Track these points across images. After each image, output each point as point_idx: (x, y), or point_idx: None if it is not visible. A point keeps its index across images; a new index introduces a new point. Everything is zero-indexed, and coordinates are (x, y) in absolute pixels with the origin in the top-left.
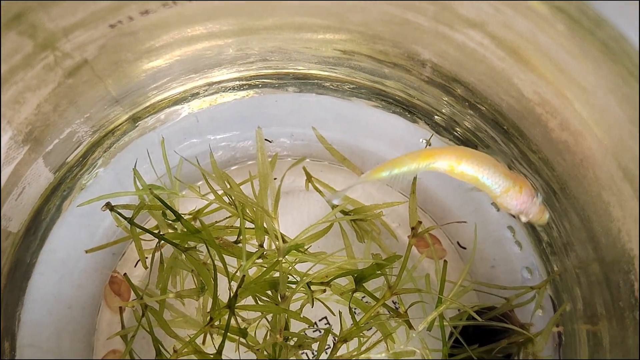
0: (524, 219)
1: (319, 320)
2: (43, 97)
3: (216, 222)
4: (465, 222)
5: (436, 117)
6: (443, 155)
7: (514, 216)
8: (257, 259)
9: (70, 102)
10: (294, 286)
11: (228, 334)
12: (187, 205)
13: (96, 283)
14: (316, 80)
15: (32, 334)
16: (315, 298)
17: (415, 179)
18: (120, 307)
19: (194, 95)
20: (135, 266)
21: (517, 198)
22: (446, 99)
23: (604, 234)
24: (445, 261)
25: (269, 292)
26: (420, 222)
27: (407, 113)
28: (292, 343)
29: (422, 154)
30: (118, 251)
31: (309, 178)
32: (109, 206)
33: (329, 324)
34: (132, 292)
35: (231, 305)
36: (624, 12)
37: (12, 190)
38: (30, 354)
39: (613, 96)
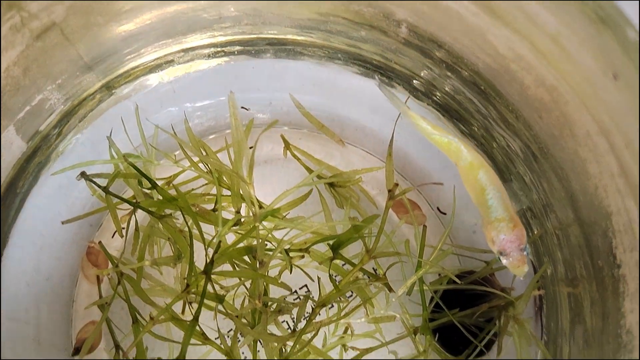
0: (504, 260)
1: (299, 289)
2: (11, 59)
3: (192, 189)
4: (441, 183)
5: (415, 81)
6: (473, 152)
7: (493, 252)
8: (234, 225)
9: (40, 66)
10: (272, 253)
11: (206, 301)
12: (163, 174)
13: (74, 255)
14: (293, 46)
15: (12, 307)
16: (294, 265)
17: (392, 141)
18: (98, 278)
19: (168, 62)
20: (112, 237)
21: (507, 234)
22: (424, 61)
23: (581, 192)
24: (424, 226)
25: (247, 260)
26: (397, 185)
27: (385, 78)
28: (271, 310)
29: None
30: (96, 222)
31: (287, 146)
32: (84, 175)
33: (309, 292)
34: (109, 262)
35: (207, 271)
36: None
37: None
38: (10, 328)
39: (586, 48)
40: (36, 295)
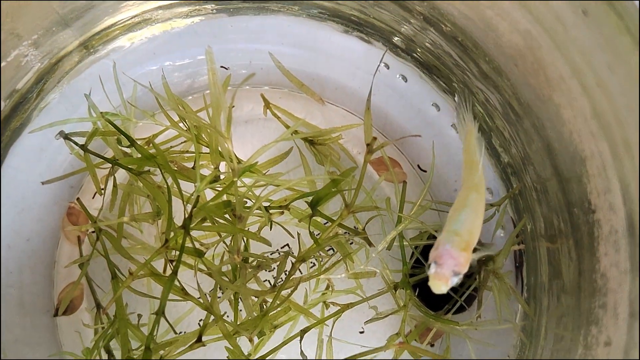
0: (432, 269)
1: (281, 248)
2: None
3: (171, 147)
4: (419, 135)
5: (395, 38)
6: (483, 180)
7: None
8: (213, 182)
9: (14, 19)
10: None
11: (186, 259)
12: (142, 134)
13: (55, 217)
14: (270, 3)
15: None
16: (274, 222)
17: (370, 94)
18: (79, 238)
19: (146, 20)
20: (93, 198)
21: (454, 249)
22: (403, 14)
23: (557, 140)
24: (404, 182)
25: (227, 217)
26: (375, 139)
27: (364, 35)
28: (251, 266)
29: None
30: (76, 184)
31: (267, 104)
32: (63, 134)
33: (290, 249)
34: (89, 221)
35: (186, 225)
36: None
37: None
38: None
39: None
40: (18, 257)
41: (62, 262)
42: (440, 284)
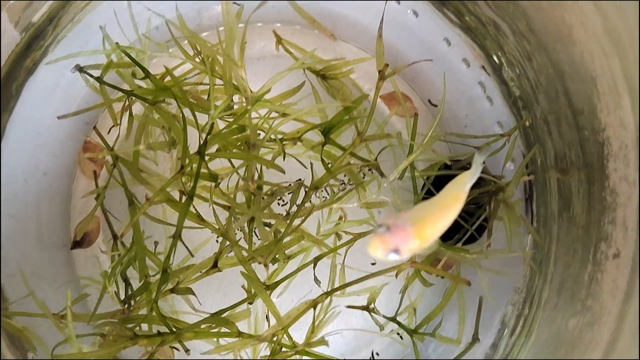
0: (381, 229)
1: (294, 182)
2: None
3: (185, 78)
4: (431, 60)
5: None
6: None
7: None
8: (226, 110)
9: None
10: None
11: (200, 191)
12: (156, 70)
13: (71, 152)
14: None
15: (11, 204)
16: (287, 154)
17: (381, 22)
18: (95, 172)
19: None
20: (108, 133)
21: (412, 230)
22: None
23: (568, 62)
24: (416, 114)
25: (240, 147)
26: (387, 65)
27: None
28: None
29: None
30: (91, 120)
31: (279, 40)
32: (78, 67)
33: (302, 180)
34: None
35: (201, 151)
36: None
37: None
38: (10, 224)
39: None
40: (35, 191)
41: (78, 196)
42: (378, 248)
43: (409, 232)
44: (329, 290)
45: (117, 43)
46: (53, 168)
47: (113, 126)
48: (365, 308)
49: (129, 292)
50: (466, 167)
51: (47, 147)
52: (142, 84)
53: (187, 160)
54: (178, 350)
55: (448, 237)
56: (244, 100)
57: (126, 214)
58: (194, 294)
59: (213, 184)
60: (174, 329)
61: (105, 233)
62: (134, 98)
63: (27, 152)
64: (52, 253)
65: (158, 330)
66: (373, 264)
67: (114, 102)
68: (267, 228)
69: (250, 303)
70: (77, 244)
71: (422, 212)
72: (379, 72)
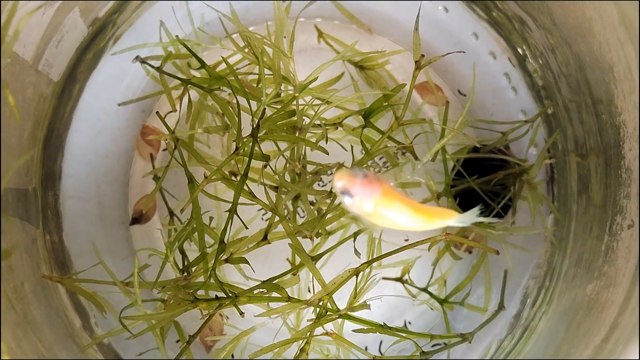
0: (359, 171)
1: (335, 163)
2: None
3: (237, 69)
4: (464, 52)
5: None
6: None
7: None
8: (275, 97)
9: None
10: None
11: (252, 163)
12: (210, 60)
13: (128, 137)
14: None
15: (73, 185)
16: (330, 138)
17: (418, 16)
18: (151, 155)
19: None
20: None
21: (380, 181)
22: None
23: (588, 53)
24: (447, 102)
25: (287, 132)
26: (423, 56)
27: None
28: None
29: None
30: (147, 108)
31: (321, 34)
32: (139, 58)
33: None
34: (161, 141)
35: (254, 134)
36: None
37: (53, 37)
38: (72, 204)
39: None
40: (96, 173)
41: (136, 177)
42: (341, 180)
43: (373, 192)
44: (368, 260)
45: (176, 36)
46: (113, 151)
47: (169, 112)
48: (400, 279)
49: (186, 262)
50: (493, 150)
51: (106, 133)
52: (197, 73)
53: (241, 142)
54: (228, 318)
55: None
56: (290, 88)
57: (179, 193)
58: (247, 262)
59: (263, 164)
60: (230, 294)
61: (160, 211)
62: (189, 86)
63: (88, 137)
64: (112, 230)
65: (216, 295)
66: (406, 239)
67: (172, 89)
68: (310, 206)
69: (294, 274)
70: (135, 221)
71: (399, 196)
72: (416, 62)
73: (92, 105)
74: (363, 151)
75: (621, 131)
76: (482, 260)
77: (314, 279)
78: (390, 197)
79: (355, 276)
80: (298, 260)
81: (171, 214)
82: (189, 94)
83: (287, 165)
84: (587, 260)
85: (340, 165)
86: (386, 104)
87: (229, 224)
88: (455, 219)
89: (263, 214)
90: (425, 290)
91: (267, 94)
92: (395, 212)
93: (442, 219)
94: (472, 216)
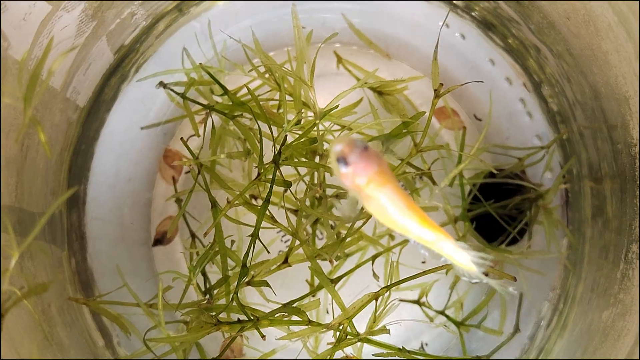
0: (362, 143)
1: None
2: None
3: (258, 95)
4: (481, 81)
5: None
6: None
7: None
8: (296, 124)
9: None
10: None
11: (273, 189)
12: (231, 87)
13: (151, 160)
14: None
15: (97, 207)
16: None
17: (437, 46)
18: (174, 178)
19: None
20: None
21: (374, 162)
22: None
23: (603, 84)
24: (464, 127)
25: (307, 158)
26: (442, 85)
27: None
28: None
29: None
30: (169, 131)
31: (340, 59)
32: (162, 84)
33: None
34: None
35: (276, 160)
36: None
37: (81, 65)
38: (96, 226)
39: None
40: (118, 196)
41: (158, 199)
42: (341, 146)
43: (369, 167)
44: (387, 284)
45: (200, 64)
46: (135, 174)
47: (191, 135)
48: (417, 302)
49: (207, 285)
50: (510, 175)
51: (129, 156)
52: (219, 99)
53: (262, 168)
54: (248, 339)
55: (493, 238)
56: (310, 114)
57: (199, 214)
58: (269, 285)
59: (284, 189)
60: (252, 318)
61: (181, 232)
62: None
63: (112, 160)
64: (135, 250)
65: (238, 318)
66: (423, 262)
67: (195, 114)
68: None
69: (312, 295)
70: (157, 242)
71: (395, 182)
72: (435, 90)
73: (115, 128)
74: None
75: (637, 161)
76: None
77: (333, 301)
78: (385, 178)
79: (375, 300)
80: (317, 281)
81: (193, 236)
82: (211, 119)
83: (308, 191)
84: (602, 286)
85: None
86: (405, 130)
87: (252, 249)
88: (445, 244)
89: (282, 236)
90: (442, 312)
91: (289, 121)
92: (386, 197)
93: (432, 230)
94: (464, 255)
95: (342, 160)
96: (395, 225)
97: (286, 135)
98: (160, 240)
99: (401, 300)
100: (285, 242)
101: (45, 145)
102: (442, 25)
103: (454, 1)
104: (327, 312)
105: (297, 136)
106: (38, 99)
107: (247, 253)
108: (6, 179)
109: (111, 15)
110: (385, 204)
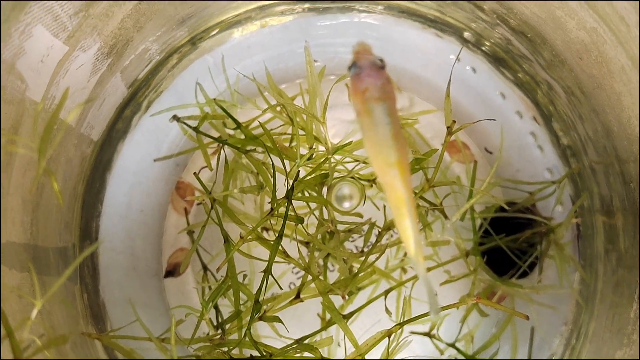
0: (377, 59)
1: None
2: (126, 12)
3: (271, 129)
4: (494, 119)
5: (466, 33)
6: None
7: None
8: (308, 159)
9: (147, 19)
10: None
11: (286, 223)
12: (243, 119)
13: (163, 192)
14: (357, 2)
15: (109, 238)
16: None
17: (449, 83)
18: (186, 209)
19: (246, 19)
20: (198, 173)
21: (384, 78)
22: (476, 12)
23: (616, 123)
24: (475, 161)
25: (317, 191)
26: (454, 122)
27: (438, 31)
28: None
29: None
30: (182, 163)
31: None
32: (176, 117)
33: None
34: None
35: (289, 196)
36: None
37: (96, 100)
38: (108, 257)
39: None
40: (129, 227)
41: (169, 230)
42: (362, 49)
43: (378, 78)
44: (401, 321)
45: (214, 99)
46: (147, 205)
47: (203, 167)
48: (428, 334)
49: (219, 319)
50: (521, 209)
51: (141, 187)
52: (231, 132)
53: (275, 203)
54: None
55: (503, 272)
56: (324, 148)
57: (211, 247)
58: (281, 321)
59: (296, 224)
60: (264, 354)
61: (193, 264)
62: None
63: (124, 191)
64: (146, 282)
65: (251, 355)
66: (435, 294)
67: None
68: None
69: (324, 330)
70: (169, 274)
71: (396, 113)
72: (447, 127)
73: (128, 160)
74: None
75: None
76: (510, 319)
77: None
78: (387, 96)
79: (388, 337)
80: (328, 315)
81: (205, 268)
82: (224, 152)
83: (320, 227)
84: (616, 324)
85: (372, 224)
86: (417, 166)
87: (265, 284)
88: (405, 220)
89: (293, 267)
90: (452, 345)
91: (302, 155)
92: (380, 112)
93: (404, 188)
94: (412, 242)
95: (355, 63)
96: (376, 148)
97: (299, 171)
98: (172, 272)
99: (411, 332)
100: (296, 273)
101: (59, 194)
102: (455, 60)
103: (465, 35)
104: (339, 345)
105: (309, 170)
106: (53, 148)
107: (260, 289)
108: (21, 217)
109: (126, 51)
110: (378, 120)
